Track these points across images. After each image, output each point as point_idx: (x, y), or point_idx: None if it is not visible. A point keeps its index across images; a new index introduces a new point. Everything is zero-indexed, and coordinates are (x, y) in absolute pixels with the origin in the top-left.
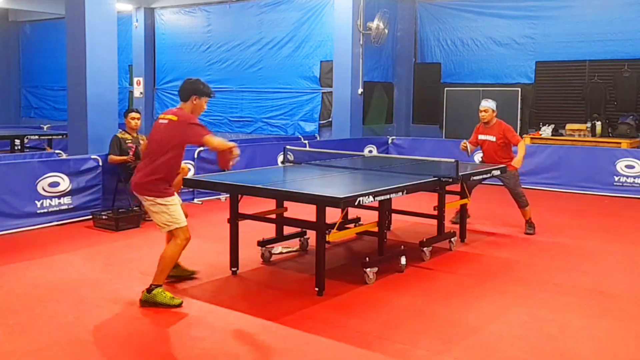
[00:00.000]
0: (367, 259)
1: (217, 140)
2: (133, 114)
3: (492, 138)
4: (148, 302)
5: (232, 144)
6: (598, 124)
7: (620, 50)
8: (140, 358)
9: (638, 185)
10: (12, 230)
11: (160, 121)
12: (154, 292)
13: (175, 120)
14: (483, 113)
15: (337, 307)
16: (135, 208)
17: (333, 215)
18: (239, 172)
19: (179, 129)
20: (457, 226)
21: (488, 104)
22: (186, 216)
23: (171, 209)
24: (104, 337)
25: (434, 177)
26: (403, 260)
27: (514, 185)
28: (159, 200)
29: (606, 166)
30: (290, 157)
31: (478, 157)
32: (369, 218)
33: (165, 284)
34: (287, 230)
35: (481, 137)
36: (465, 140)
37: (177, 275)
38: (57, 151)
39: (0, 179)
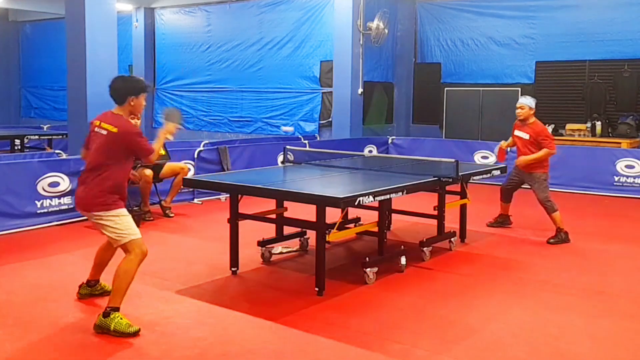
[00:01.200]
0: (367, 259)
1: (156, 153)
2: None
3: (526, 136)
4: (102, 328)
5: (162, 136)
6: (598, 124)
7: (620, 50)
8: (140, 358)
9: (638, 185)
10: (12, 230)
11: (97, 130)
12: (110, 316)
13: (115, 132)
14: (519, 110)
15: (337, 307)
16: (135, 208)
17: (333, 215)
18: (239, 172)
19: (123, 142)
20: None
21: (524, 101)
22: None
23: (122, 220)
24: (104, 337)
25: (434, 177)
26: (403, 260)
27: (538, 189)
28: (107, 213)
29: (606, 166)
30: (290, 157)
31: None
32: (369, 218)
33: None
34: (287, 230)
35: (517, 132)
36: (502, 141)
37: (90, 294)
38: (57, 151)
39: (0, 179)
